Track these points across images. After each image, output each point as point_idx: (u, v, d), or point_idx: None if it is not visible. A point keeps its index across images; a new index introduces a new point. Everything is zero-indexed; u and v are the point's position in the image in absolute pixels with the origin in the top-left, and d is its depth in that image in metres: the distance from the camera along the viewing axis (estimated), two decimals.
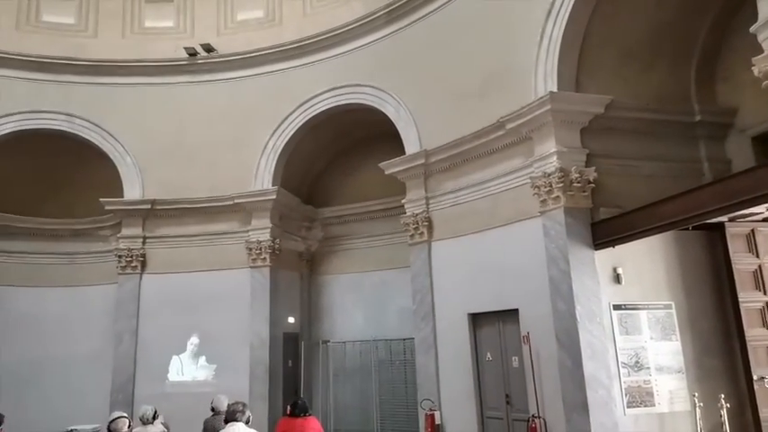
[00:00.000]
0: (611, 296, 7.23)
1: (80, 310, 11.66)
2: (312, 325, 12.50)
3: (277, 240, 11.21)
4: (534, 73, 7.74)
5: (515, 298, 7.94)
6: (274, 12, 11.69)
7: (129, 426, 5.75)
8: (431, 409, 8.74)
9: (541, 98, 7.35)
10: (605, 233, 7.19)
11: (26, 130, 11.05)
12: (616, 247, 7.16)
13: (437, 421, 8.66)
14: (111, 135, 11.38)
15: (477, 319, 8.69)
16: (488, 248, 8.36)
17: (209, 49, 11.47)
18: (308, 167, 12.51)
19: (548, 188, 7.39)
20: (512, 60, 8.18)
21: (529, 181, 7.70)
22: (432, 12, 9.57)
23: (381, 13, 10.18)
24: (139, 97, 11.56)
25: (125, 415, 5.73)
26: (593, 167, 7.37)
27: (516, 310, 7.93)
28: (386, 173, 9.98)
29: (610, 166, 7.52)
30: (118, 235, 11.46)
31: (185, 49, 11.42)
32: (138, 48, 11.65)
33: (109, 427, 5.58)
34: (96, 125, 11.36)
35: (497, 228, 8.25)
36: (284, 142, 11.27)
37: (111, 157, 11.41)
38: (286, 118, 11.23)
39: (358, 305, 12.08)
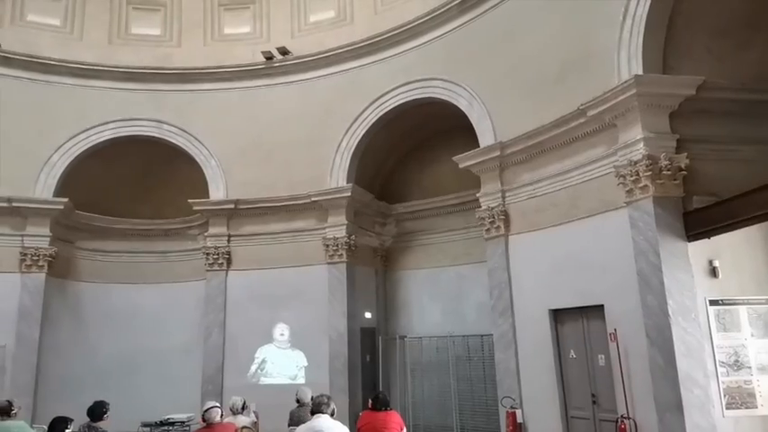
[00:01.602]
0: (707, 291, 6.78)
1: (172, 306, 12.37)
2: (388, 320, 12.61)
3: (352, 237, 11.38)
4: (617, 56, 7.35)
5: (600, 293, 7.59)
6: (346, 11, 11.86)
7: (222, 415, 6.06)
8: (512, 407, 8.56)
9: (626, 82, 6.97)
10: (700, 223, 6.73)
11: (121, 137, 11.86)
12: (711, 238, 6.68)
13: (519, 420, 8.46)
14: (196, 139, 12.02)
15: (558, 315, 8.40)
16: (569, 242, 8.05)
17: (284, 51, 11.82)
18: (382, 163, 12.61)
19: (634, 177, 7.00)
20: (592, 44, 7.82)
21: (613, 170, 7.33)
22: None
23: (454, 3, 10.05)
24: (221, 102, 12.11)
25: (218, 405, 6.04)
26: (685, 153, 6.91)
27: (601, 306, 7.58)
28: (460, 166, 9.85)
29: (703, 152, 7.01)
30: (205, 234, 12.06)
31: (262, 53, 11.83)
32: (219, 54, 12.20)
33: (203, 416, 5.90)
34: (183, 130, 12.03)
35: (579, 220, 7.92)
36: (358, 139, 11.41)
37: (197, 159, 12.04)
38: (359, 115, 11.37)
39: (434, 300, 12.04)
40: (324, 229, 11.48)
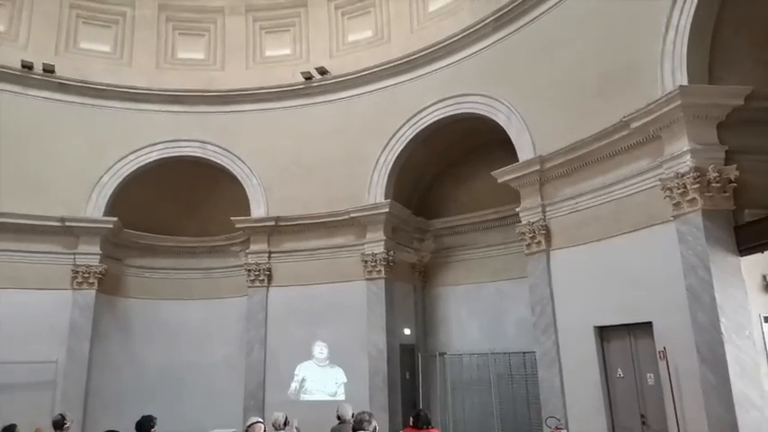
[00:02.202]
0: (762, 307, 6.51)
1: (216, 321, 12.65)
2: (428, 337, 12.52)
3: (391, 252, 11.41)
4: (660, 67, 7.22)
5: (647, 310, 7.38)
6: (383, 30, 12.05)
7: (264, 431, 6.13)
8: (557, 427, 8.32)
9: (670, 93, 6.83)
10: (753, 237, 6.49)
11: (167, 157, 12.30)
12: (765, 252, 6.43)
13: None
14: (238, 158, 12.34)
15: (604, 333, 8.19)
16: (614, 257, 7.87)
17: (322, 71, 12.07)
18: (419, 179, 12.65)
19: (681, 190, 6.82)
20: (633, 55, 7.70)
21: (658, 183, 7.16)
22: (542, 14, 9.33)
23: (489, 20, 10.10)
24: (262, 121, 12.42)
25: (261, 420, 6.13)
26: (734, 165, 6.71)
27: (649, 323, 7.37)
28: (499, 181, 9.79)
29: (754, 163, 6.79)
30: (247, 251, 12.31)
31: (302, 73, 12.12)
32: (260, 76, 12.55)
33: (246, 430, 5.98)
34: (226, 150, 12.38)
35: (624, 234, 7.75)
36: (395, 156, 11.49)
37: (240, 178, 12.34)
38: (396, 132, 11.47)
39: (474, 317, 11.91)
40: (362, 245, 11.55)
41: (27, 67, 11.38)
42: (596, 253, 8.17)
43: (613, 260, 7.87)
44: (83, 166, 11.69)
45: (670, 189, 6.97)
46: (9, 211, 10.91)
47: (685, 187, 6.79)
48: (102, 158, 11.86)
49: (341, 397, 10.88)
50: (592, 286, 8.22)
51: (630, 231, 7.66)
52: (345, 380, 11.23)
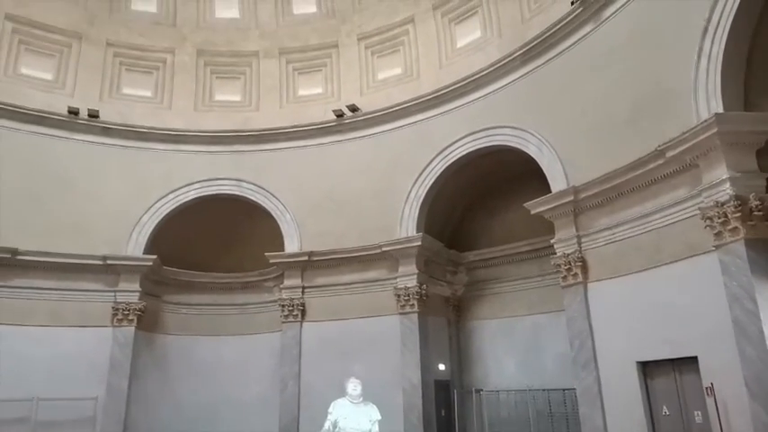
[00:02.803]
0: None
1: (250, 357, 12.70)
2: (463, 372, 12.29)
3: (424, 286, 11.34)
4: (694, 95, 7.15)
5: (692, 344, 7.12)
6: (412, 67, 12.32)
7: None
8: None
9: (706, 121, 6.74)
10: None
11: (204, 195, 12.66)
12: None
13: None
14: (272, 195, 12.61)
15: (647, 368, 7.90)
16: (655, 289, 7.66)
17: (353, 108, 12.34)
18: (451, 211, 12.65)
19: (722, 219, 6.65)
20: (664, 84, 7.66)
21: (698, 212, 7.01)
22: (570, 46, 9.42)
23: (517, 54, 10.23)
24: (296, 159, 12.71)
25: None
26: None
27: (694, 358, 7.10)
28: (531, 212, 9.72)
29: None
30: (281, 286, 12.43)
31: (333, 111, 12.43)
32: (294, 115, 12.92)
33: None
34: (260, 187, 12.68)
35: (664, 265, 7.56)
36: (426, 189, 11.55)
37: (274, 214, 12.58)
38: (427, 165, 11.55)
39: (510, 352, 11.64)
40: (395, 279, 11.53)
41: (73, 112, 11.98)
42: (636, 285, 7.96)
43: (654, 292, 7.66)
44: (124, 205, 12.11)
45: (710, 218, 6.81)
46: (53, 250, 11.30)
47: (726, 216, 6.61)
48: (142, 198, 12.28)
49: None
50: (633, 319, 7.98)
51: (671, 262, 7.47)
52: (380, 417, 11.01)
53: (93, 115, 12.11)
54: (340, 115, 12.43)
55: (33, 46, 12.15)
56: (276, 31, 13.23)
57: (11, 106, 11.50)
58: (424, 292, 11.31)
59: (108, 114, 12.33)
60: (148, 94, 12.95)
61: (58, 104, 11.98)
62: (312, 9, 13.18)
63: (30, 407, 10.40)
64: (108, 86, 12.69)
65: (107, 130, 12.31)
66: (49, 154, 11.80)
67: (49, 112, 11.86)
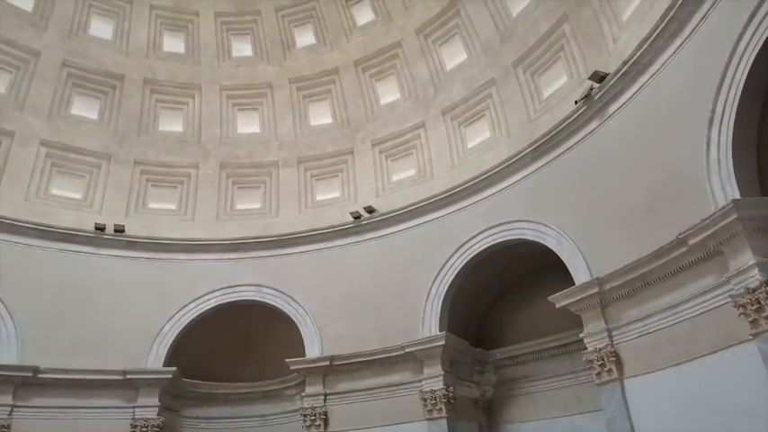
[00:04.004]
0: None
1: None
2: None
3: (451, 388, 10.86)
4: (708, 182, 7.22)
5: None
6: (425, 168, 12.72)
7: None
8: None
9: (724, 208, 6.75)
10: None
11: (225, 303, 12.64)
12: None
13: None
14: (292, 299, 12.56)
15: None
16: (695, 382, 7.28)
17: (370, 210, 12.61)
18: (473, 308, 12.44)
19: (756, 306, 6.45)
20: (678, 172, 7.77)
21: (730, 300, 6.82)
22: (579, 141, 9.70)
23: (527, 151, 10.54)
24: (315, 262, 12.80)
25: None
26: None
27: None
28: (556, 306, 9.52)
29: None
30: (302, 394, 11.99)
31: (350, 213, 12.70)
32: (312, 219, 13.22)
33: None
34: (280, 291, 12.66)
35: (701, 357, 7.23)
36: (447, 286, 11.44)
37: (294, 319, 12.46)
38: (446, 262, 11.53)
39: None
40: (420, 381, 11.08)
41: (100, 229, 12.35)
42: (675, 379, 7.58)
43: (694, 387, 7.27)
44: (146, 317, 12.08)
45: (743, 306, 6.60)
46: (74, 367, 11.17)
47: (759, 303, 6.42)
48: (165, 308, 12.28)
49: None
50: (675, 417, 7.52)
51: (709, 354, 7.15)
52: None
53: (119, 230, 12.47)
54: (357, 217, 12.68)
55: (65, 168, 12.76)
56: (294, 142, 13.90)
57: (41, 226, 11.90)
58: (451, 394, 10.81)
59: (133, 228, 12.69)
60: (173, 207, 13.40)
61: (86, 222, 12.39)
62: (328, 120, 13.90)
63: None
64: (134, 202, 13.17)
65: (132, 244, 12.60)
66: (75, 270, 12.02)
67: (77, 230, 12.23)
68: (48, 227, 11.97)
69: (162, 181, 13.53)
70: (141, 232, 12.73)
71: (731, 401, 6.80)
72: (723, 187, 7.00)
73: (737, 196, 6.78)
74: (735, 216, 6.60)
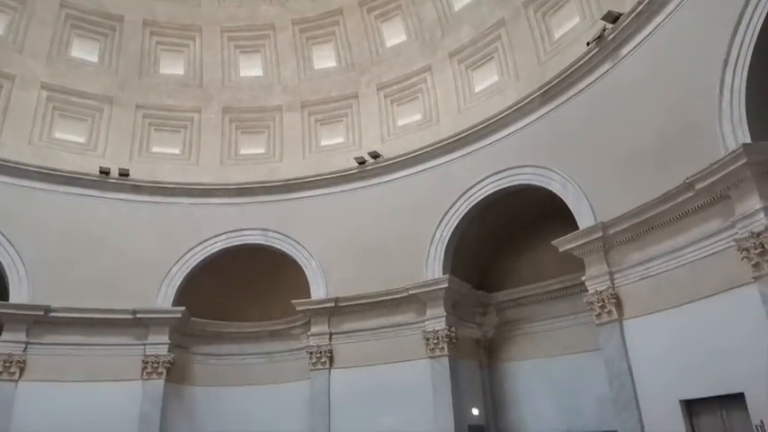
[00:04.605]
0: None
1: (279, 407, 12.51)
2: (498, 416, 11.95)
3: (453, 328, 11.19)
4: (719, 126, 7.19)
5: (738, 380, 6.90)
6: (431, 113, 12.58)
7: None
8: None
9: (734, 152, 6.75)
10: None
11: (231, 246, 12.84)
12: None
13: None
14: (298, 243, 12.74)
15: (692, 407, 7.63)
16: (694, 324, 7.49)
17: (375, 155, 12.57)
18: (477, 252, 12.61)
19: (759, 250, 6.56)
20: (689, 117, 7.73)
21: (733, 244, 6.92)
22: (589, 85, 9.57)
23: (535, 95, 10.41)
24: (320, 206, 12.89)
25: None
26: None
27: (741, 395, 6.85)
28: (560, 250, 9.67)
29: None
30: (308, 333, 12.38)
31: (355, 158, 12.67)
32: (317, 164, 13.21)
33: None
34: (286, 235, 12.83)
35: (703, 299, 7.41)
36: (450, 231, 11.57)
37: (299, 262, 12.68)
38: (450, 207, 11.61)
39: (547, 394, 11.31)
40: (423, 322, 11.39)
41: (105, 172, 12.40)
42: (674, 320, 7.79)
43: (693, 327, 7.50)
44: (154, 258, 12.32)
45: (747, 249, 6.71)
46: (85, 306, 11.48)
47: (763, 247, 6.53)
48: (171, 251, 12.50)
49: None
50: (673, 356, 7.78)
51: (710, 296, 7.32)
52: None
53: (124, 174, 12.51)
54: (362, 162, 12.66)
55: (67, 111, 12.71)
56: (298, 86, 13.69)
57: (45, 169, 11.97)
58: (453, 334, 11.15)
59: (138, 172, 12.73)
60: (176, 151, 13.38)
61: (90, 166, 12.43)
62: (332, 63, 13.62)
63: None
64: (138, 146, 13.15)
65: (137, 188, 12.68)
66: (81, 213, 12.17)
67: (82, 173, 12.30)
68: (52, 170, 12.02)
69: (165, 125, 13.43)
70: (146, 176, 12.78)
71: (729, 342, 7.01)
72: (734, 131, 6.98)
73: (748, 140, 6.76)
74: (744, 160, 6.60)
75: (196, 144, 13.43)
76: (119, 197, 12.56)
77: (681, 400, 7.66)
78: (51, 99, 12.55)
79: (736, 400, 6.93)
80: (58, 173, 12.08)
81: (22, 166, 11.77)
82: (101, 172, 12.38)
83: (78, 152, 12.60)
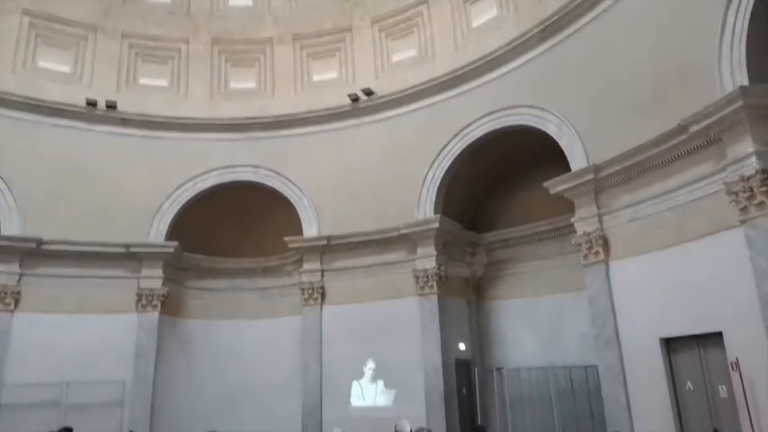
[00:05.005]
0: None
1: (272, 340, 12.86)
2: (484, 352, 12.35)
3: (443, 267, 11.38)
4: (718, 68, 7.06)
5: (717, 320, 7.11)
6: (426, 49, 12.24)
7: None
8: None
9: (730, 94, 6.66)
10: None
11: (223, 183, 12.77)
12: None
13: None
14: (290, 180, 12.70)
15: (671, 345, 7.91)
16: (679, 265, 7.63)
17: (368, 92, 12.32)
18: (469, 193, 12.63)
19: (748, 193, 6.59)
20: (688, 58, 7.56)
21: (723, 187, 6.95)
22: (589, 22, 9.30)
23: (534, 31, 10.13)
24: (312, 144, 12.75)
25: None
26: None
27: (719, 333, 7.09)
28: (551, 192, 9.69)
29: None
30: (300, 270, 12.55)
31: (348, 95, 12.41)
32: (309, 100, 12.94)
33: None
34: (277, 173, 12.76)
35: (689, 242, 7.51)
36: (443, 171, 11.55)
37: (291, 200, 12.68)
38: (444, 147, 11.53)
39: (531, 331, 11.66)
40: (413, 261, 11.56)
41: (91, 104, 12.11)
42: (659, 262, 7.93)
43: (678, 269, 7.64)
44: (145, 193, 12.26)
45: (736, 193, 6.75)
46: (76, 239, 11.51)
47: (752, 190, 6.56)
48: (162, 186, 12.42)
49: (396, 413, 10.80)
50: (656, 297, 7.98)
51: (696, 239, 7.42)
52: (399, 396, 11.17)
53: (111, 106, 12.23)
54: (355, 99, 12.41)
55: (51, 40, 12.27)
56: (289, 17, 13.21)
57: (31, 99, 11.66)
58: (443, 273, 11.35)
59: (125, 105, 12.44)
60: (164, 83, 13.03)
61: (77, 97, 12.12)
62: None
63: (60, 391, 10.68)
64: (125, 77, 12.79)
65: (125, 121, 12.44)
66: (69, 146, 11.98)
67: (68, 105, 12.00)
68: (38, 101, 11.73)
69: (152, 56, 13.03)
70: (134, 109, 12.51)
71: (711, 284, 7.18)
72: (733, 73, 6.86)
73: (746, 83, 6.66)
74: (740, 103, 6.52)
75: (184, 76, 13.07)
76: (107, 130, 12.34)
77: (661, 338, 7.93)
78: (34, 26, 12.08)
79: (714, 338, 7.18)
80: (44, 104, 11.78)
81: (6, 96, 11.47)
82: (88, 104, 12.09)
83: (64, 82, 12.24)
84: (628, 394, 8.30)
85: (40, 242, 11.24)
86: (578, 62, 9.46)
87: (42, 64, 12.18)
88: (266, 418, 12.04)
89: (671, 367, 7.88)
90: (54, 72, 12.22)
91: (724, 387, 7.15)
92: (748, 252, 6.64)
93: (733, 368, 6.76)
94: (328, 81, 13.06)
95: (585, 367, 9.87)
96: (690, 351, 7.68)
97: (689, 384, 7.67)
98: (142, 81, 12.93)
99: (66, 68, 12.37)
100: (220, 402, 12.27)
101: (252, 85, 13.31)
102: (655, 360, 7.94)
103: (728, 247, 6.94)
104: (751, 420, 6.47)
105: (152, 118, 12.57)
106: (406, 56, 12.46)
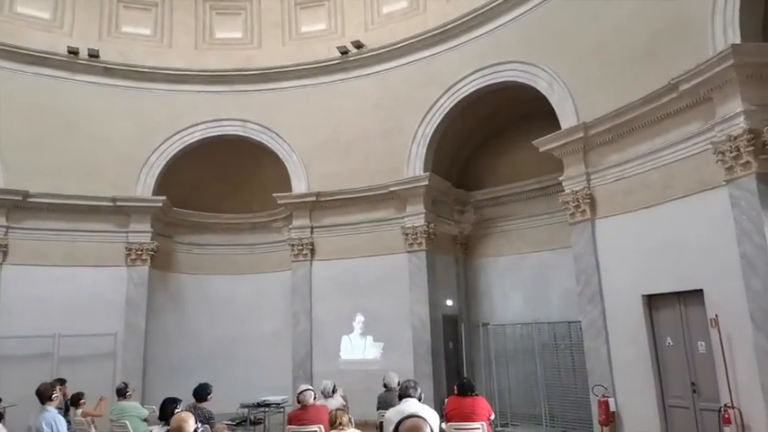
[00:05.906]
0: None
1: (263, 295, 13.01)
2: (470, 308, 12.58)
3: (431, 225, 11.43)
4: (711, 26, 6.91)
5: (698, 277, 7.22)
6: (418, 1, 11.87)
7: (315, 398, 6.38)
8: (604, 396, 8.33)
9: (721, 53, 6.54)
10: None
11: (209, 137, 12.56)
12: None
13: (612, 408, 8.21)
14: (278, 135, 12.52)
15: (653, 301, 8.07)
16: (663, 224, 7.68)
17: (358, 45, 12.02)
18: (458, 151, 12.55)
19: (734, 153, 6.58)
20: (681, 14, 7.38)
21: (710, 147, 6.92)
22: None
23: None
24: (300, 98, 12.51)
25: (311, 388, 6.39)
26: None
27: (700, 291, 7.22)
28: (540, 150, 9.63)
29: None
30: (290, 226, 12.56)
31: (337, 48, 12.10)
32: (297, 53, 12.61)
33: (298, 398, 6.24)
34: (266, 127, 12.56)
35: (674, 201, 7.54)
36: (433, 128, 11.42)
37: (280, 155, 12.55)
38: (434, 104, 11.37)
39: (517, 288, 11.86)
40: (403, 218, 11.60)
41: (73, 53, 11.73)
42: (645, 221, 7.98)
43: (663, 227, 7.69)
44: (131, 147, 12.07)
45: (722, 153, 6.73)
46: (63, 192, 11.38)
47: (738, 150, 6.54)
48: (148, 139, 12.22)
49: (384, 366, 11.06)
50: (640, 254, 8.06)
51: (681, 197, 7.45)
52: (388, 350, 11.42)
53: (94, 55, 11.86)
54: (345, 52, 12.12)
55: None
56: None
57: (10, 47, 11.27)
58: (431, 230, 11.41)
59: (108, 54, 12.06)
60: (148, 32, 12.61)
61: (59, 45, 11.72)
62: None
63: (52, 343, 10.80)
64: (107, 24, 12.36)
65: (108, 71, 12.09)
66: (52, 95, 11.65)
67: (50, 53, 11.61)
68: (18, 48, 11.33)
69: (134, 2, 12.57)
70: (116, 58, 12.14)
71: (693, 243, 7.26)
72: (725, 30, 6.73)
73: (738, 40, 6.55)
74: (731, 62, 6.42)
75: (168, 24, 12.64)
76: (90, 80, 11.98)
77: (643, 295, 8.06)
78: None
79: (695, 295, 7.31)
80: (25, 52, 11.36)
81: None
82: (69, 52, 11.70)
83: (44, 29, 11.79)
84: (609, 348, 8.51)
85: (26, 194, 11.11)
86: (571, 17, 9.23)
87: (21, 9, 11.69)
88: (258, 368, 12.24)
89: (652, 323, 8.06)
90: (33, 18, 11.74)
91: (703, 343, 7.33)
92: (732, 211, 6.68)
93: (712, 324, 6.92)
94: (317, 32, 12.71)
95: (569, 323, 10.08)
96: (671, 307, 7.84)
97: (669, 340, 7.85)
98: (125, 29, 12.50)
99: (45, 14, 11.90)
100: (212, 354, 12.46)
101: (238, 35, 12.92)
102: (636, 316, 8.12)
103: (712, 207, 6.97)
104: (727, 375, 6.67)
105: (136, 68, 12.22)
106: (397, 7, 12.10)
